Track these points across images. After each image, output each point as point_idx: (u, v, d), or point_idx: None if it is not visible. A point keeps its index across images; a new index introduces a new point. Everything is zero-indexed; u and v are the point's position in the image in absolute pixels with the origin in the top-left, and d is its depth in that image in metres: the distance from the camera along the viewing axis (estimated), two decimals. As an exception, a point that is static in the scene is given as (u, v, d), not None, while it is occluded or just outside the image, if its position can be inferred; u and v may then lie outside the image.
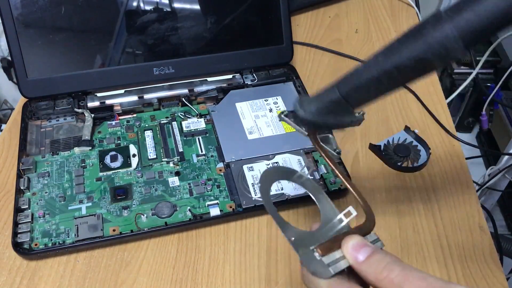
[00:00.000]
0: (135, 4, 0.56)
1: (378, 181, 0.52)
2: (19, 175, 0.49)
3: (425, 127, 0.58)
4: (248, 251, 0.45)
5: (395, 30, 0.74)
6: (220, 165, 0.51)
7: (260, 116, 0.56)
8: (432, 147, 0.55)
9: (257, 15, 0.60)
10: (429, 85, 0.64)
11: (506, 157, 0.92)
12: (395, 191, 0.51)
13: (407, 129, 0.56)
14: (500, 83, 1.00)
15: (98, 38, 0.56)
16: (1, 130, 0.72)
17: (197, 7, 0.58)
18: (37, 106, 0.56)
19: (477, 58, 1.05)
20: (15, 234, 0.43)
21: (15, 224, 0.44)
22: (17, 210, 0.46)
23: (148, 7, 0.56)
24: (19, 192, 0.47)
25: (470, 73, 1.01)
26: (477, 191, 0.94)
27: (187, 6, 0.58)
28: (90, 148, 0.52)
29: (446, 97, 0.65)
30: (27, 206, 0.46)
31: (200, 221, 0.46)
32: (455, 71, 1.14)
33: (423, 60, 0.29)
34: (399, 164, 0.53)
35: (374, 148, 0.55)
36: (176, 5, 0.57)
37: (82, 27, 0.55)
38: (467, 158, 0.56)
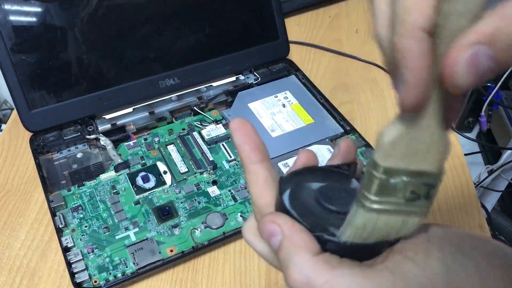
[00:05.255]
0: (131, 20, 0.54)
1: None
2: (53, 214, 0.46)
3: None
4: (248, 251, 0.45)
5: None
6: (253, 167, 0.51)
7: (276, 113, 0.57)
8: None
9: (251, 14, 0.61)
10: (429, 85, 0.66)
11: (504, 156, 0.93)
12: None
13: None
14: (500, 83, 0.99)
15: (98, 58, 0.53)
16: (1, 130, 0.69)
17: (192, 14, 0.57)
18: (44, 139, 0.52)
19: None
20: (72, 274, 0.41)
21: (69, 264, 0.42)
22: (65, 249, 0.43)
23: (144, 22, 0.55)
24: (58, 231, 0.44)
25: (469, 73, 1.02)
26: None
27: (183, 15, 0.56)
28: (117, 173, 0.50)
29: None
30: (72, 244, 0.44)
31: (255, 224, 0.46)
32: (455, 71, 1.13)
33: None
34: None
35: None
36: (172, 15, 0.56)
37: (80, 49, 0.52)
38: (466, 154, 0.55)
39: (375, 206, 0.21)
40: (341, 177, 0.26)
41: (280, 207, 0.24)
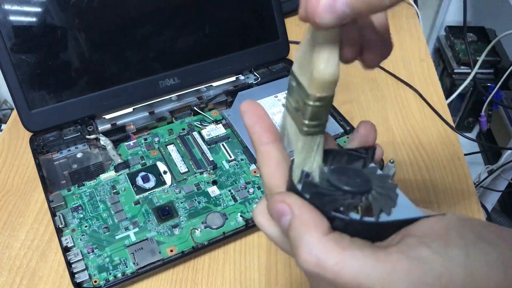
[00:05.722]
0: (131, 20, 0.54)
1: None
2: (53, 214, 0.46)
3: (425, 127, 0.59)
4: (248, 251, 0.46)
5: (395, 30, 0.75)
6: (253, 166, 0.51)
7: (276, 113, 0.57)
8: (432, 147, 0.55)
9: (251, 14, 0.61)
10: (429, 85, 0.65)
11: (504, 156, 0.92)
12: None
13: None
14: (500, 83, 0.98)
15: (98, 58, 0.53)
16: (1, 130, 0.69)
17: (192, 14, 0.57)
18: (44, 139, 0.52)
19: (476, 58, 1.02)
20: (72, 274, 0.41)
21: (69, 264, 0.42)
22: (65, 249, 0.43)
23: (144, 22, 0.54)
24: (58, 231, 0.44)
25: (470, 73, 0.99)
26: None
27: (183, 15, 0.56)
28: (117, 173, 0.50)
29: (446, 98, 0.65)
30: (72, 244, 0.44)
31: (254, 224, 0.46)
32: (455, 71, 1.10)
33: None
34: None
35: None
36: (172, 15, 0.56)
37: (80, 49, 0.52)
38: (466, 154, 0.55)
39: (285, 101, 0.26)
40: (357, 161, 0.26)
41: (291, 188, 0.23)
